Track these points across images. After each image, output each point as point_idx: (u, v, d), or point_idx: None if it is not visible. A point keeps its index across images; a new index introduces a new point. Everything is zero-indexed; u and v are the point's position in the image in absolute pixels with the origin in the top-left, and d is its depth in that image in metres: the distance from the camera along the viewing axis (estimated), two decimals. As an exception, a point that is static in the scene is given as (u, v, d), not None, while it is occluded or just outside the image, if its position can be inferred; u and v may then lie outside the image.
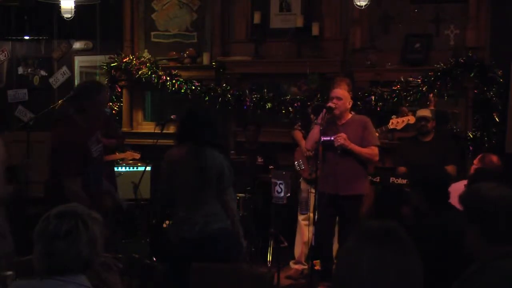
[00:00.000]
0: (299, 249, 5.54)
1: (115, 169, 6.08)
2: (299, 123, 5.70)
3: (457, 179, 4.75)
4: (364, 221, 1.61)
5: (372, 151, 4.87)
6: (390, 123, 5.40)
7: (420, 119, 5.49)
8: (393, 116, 5.52)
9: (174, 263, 3.59)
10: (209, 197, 3.64)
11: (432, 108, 5.72)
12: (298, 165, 5.54)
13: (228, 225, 3.67)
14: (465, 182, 3.94)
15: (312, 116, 5.58)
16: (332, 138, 4.77)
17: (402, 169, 5.42)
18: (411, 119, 5.45)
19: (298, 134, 5.62)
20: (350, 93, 5.36)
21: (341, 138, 4.76)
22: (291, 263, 5.60)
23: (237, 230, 3.73)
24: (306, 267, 5.43)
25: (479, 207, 2.21)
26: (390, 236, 1.50)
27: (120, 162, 6.34)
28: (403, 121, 5.40)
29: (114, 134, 5.82)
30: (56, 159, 3.89)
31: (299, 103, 6.24)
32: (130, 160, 6.18)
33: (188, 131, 3.66)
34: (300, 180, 5.50)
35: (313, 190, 5.03)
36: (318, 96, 6.02)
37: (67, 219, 1.94)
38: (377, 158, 4.94)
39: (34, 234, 1.96)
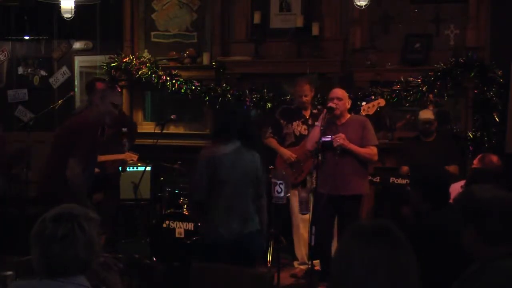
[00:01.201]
0: (301, 251, 5.53)
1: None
2: (270, 130, 5.65)
3: (457, 179, 4.76)
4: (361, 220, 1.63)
5: (371, 151, 4.88)
6: (362, 110, 5.37)
7: (424, 122, 5.48)
8: (363, 103, 5.50)
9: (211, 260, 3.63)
10: (246, 199, 3.75)
11: (432, 108, 5.72)
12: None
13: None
14: (462, 182, 3.94)
15: (282, 121, 5.56)
16: (331, 138, 4.77)
17: (405, 168, 5.42)
18: (381, 102, 5.42)
19: (273, 142, 5.56)
20: (313, 90, 5.38)
21: (340, 138, 4.76)
22: (295, 264, 5.60)
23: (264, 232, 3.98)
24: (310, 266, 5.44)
25: (474, 208, 2.21)
26: (381, 232, 1.52)
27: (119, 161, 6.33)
28: (373, 105, 5.37)
29: (128, 124, 5.84)
30: (66, 142, 4.10)
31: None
32: (129, 161, 6.18)
33: (236, 130, 3.72)
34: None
35: (296, 193, 5.07)
36: (318, 96, 6.01)
37: (63, 222, 1.94)
38: (376, 157, 4.95)
39: (31, 237, 1.96)
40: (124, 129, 5.71)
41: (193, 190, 3.86)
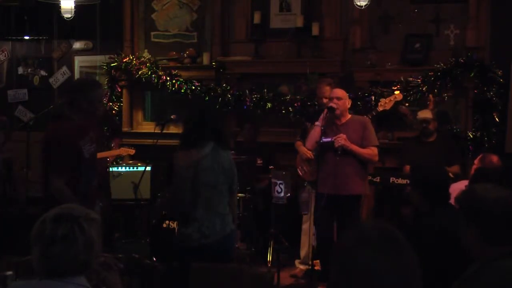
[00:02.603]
0: (305, 249, 5.53)
1: (115, 169, 6.08)
2: (299, 135, 5.66)
3: (458, 179, 4.76)
4: (362, 222, 1.61)
5: (372, 152, 4.87)
6: (379, 106, 5.36)
7: (421, 121, 5.49)
8: (381, 99, 5.50)
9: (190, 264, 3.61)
10: (224, 197, 3.75)
11: (432, 108, 5.72)
12: (302, 171, 5.50)
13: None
14: (465, 182, 3.94)
15: (307, 123, 5.57)
16: (332, 139, 4.77)
17: (408, 168, 5.41)
18: (398, 96, 5.42)
19: (298, 144, 5.58)
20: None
21: (342, 139, 4.75)
22: (296, 262, 5.60)
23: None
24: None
25: (476, 208, 2.21)
26: (385, 237, 1.49)
27: (120, 162, 6.35)
28: (390, 100, 5.37)
29: (115, 127, 5.81)
30: (46, 155, 3.85)
31: (299, 103, 6.24)
32: (125, 155, 6.19)
33: (207, 132, 3.70)
34: (306, 184, 5.44)
35: (313, 191, 5.03)
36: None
37: (63, 223, 1.93)
38: (376, 158, 4.94)
39: (31, 237, 1.96)
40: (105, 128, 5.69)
41: (176, 202, 3.84)
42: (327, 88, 5.41)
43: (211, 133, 3.70)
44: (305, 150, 5.41)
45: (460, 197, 2.34)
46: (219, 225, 3.70)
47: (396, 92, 5.53)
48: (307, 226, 5.50)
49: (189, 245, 3.70)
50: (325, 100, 5.41)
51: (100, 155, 5.32)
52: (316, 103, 6.02)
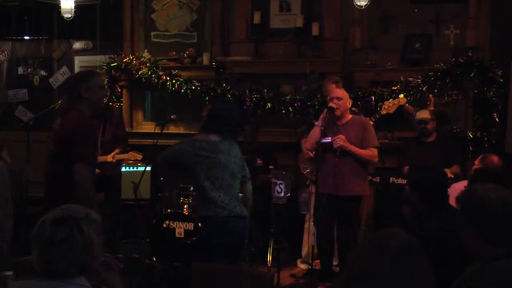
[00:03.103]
0: (307, 248, 5.53)
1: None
2: (306, 133, 5.66)
3: (459, 179, 4.76)
4: (383, 233, 1.56)
5: (372, 153, 4.86)
6: (383, 109, 5.38)
7: (419, 122, 5.49)
8: (386, 102, 5.52)
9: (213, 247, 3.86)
10: (238, 183, 4.05)
11: (432, 108, 5.72)
12: (304, 169, 5.50)
13: None
14: (465, 182, 3.95)
15: (314, 121, 5.57)
16: (331, 140, 4.76)
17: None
18: (402, 100, 5.45)
19: (304, 141, 5.60)
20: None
21: (340, 140, 4.75)
22: (298, 261, 5.60)
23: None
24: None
25: (477, 208, 2.21)
26: (411, 256, 1.48)
27: (121, 162, 6.34)
28: (394, 103, 5.39)
29: (121, 134, 5.77)
30: (68, 147, 3.86)
31: (299, 103, 6.24)
32: (132, 160, 6.17)
33: (229, 123, 4.02)
34: (308, 183, 5.44)
35: (313, 190, 5.03)
36: (318, 96, 6.02)
37: (62, 226, 1.93)
38: (376, 159, 4.94)
39: (31, 238, 1.96)
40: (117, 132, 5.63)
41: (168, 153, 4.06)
42: (333, 86, 5.40)
43: (230, 126, 4.03)
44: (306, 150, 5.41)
45: (460, 197, 2.33)
46: (239, 208, 3.96)
47: (401, 96, 5.55)
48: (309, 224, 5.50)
49: (217, 215, 3.89)
50: None
51: (107, 158, 5.33)
52: (316, 102, 6.03)
